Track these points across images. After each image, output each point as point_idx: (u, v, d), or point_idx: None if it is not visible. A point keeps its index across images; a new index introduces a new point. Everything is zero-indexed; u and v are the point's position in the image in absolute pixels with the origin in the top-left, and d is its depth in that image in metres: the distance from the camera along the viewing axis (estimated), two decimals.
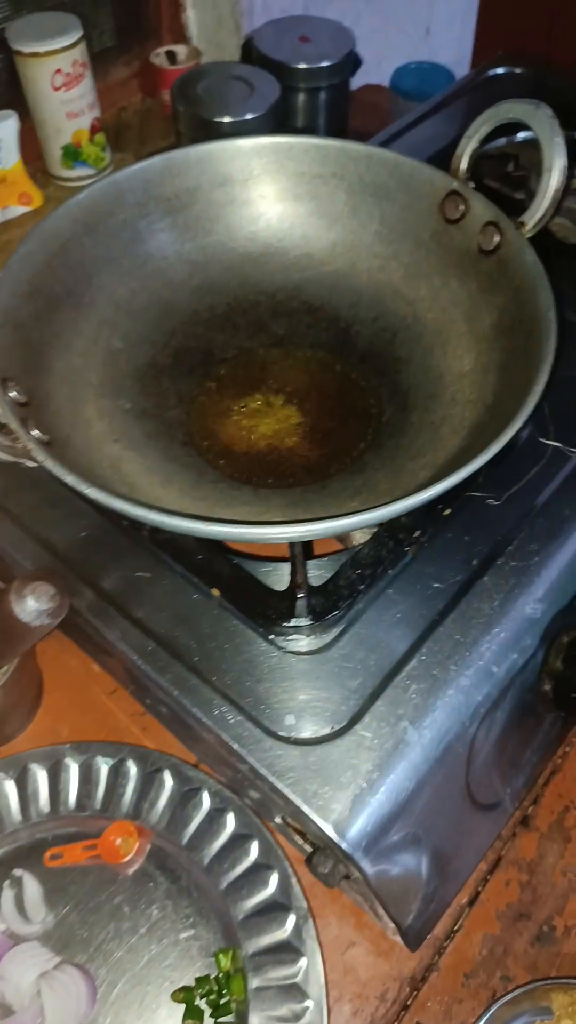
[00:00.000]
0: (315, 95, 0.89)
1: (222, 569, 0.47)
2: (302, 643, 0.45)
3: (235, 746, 0.41)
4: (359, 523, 0.37)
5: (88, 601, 0.47)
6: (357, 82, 1.10)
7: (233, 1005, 0.47)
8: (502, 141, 0.75)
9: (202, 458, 0.49)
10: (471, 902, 0.50)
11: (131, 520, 0.47)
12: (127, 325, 0.53)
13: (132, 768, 0.54)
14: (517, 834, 0.52)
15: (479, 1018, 0.45)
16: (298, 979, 0.47)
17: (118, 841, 0.52)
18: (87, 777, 0.54)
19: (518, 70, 0.82)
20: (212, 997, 0.47)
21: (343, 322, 0.55)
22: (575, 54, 1.09)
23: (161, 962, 0.49)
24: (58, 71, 0.76)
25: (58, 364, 0.47)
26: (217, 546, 0.48)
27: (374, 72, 1.11)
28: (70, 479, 0.37)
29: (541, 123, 0.44)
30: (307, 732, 0.41)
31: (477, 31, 1.20)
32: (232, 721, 0.42)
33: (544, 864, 0.51)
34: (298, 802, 0.39)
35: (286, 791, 0.39)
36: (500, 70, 0.83)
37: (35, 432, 0.41)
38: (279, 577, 0.47)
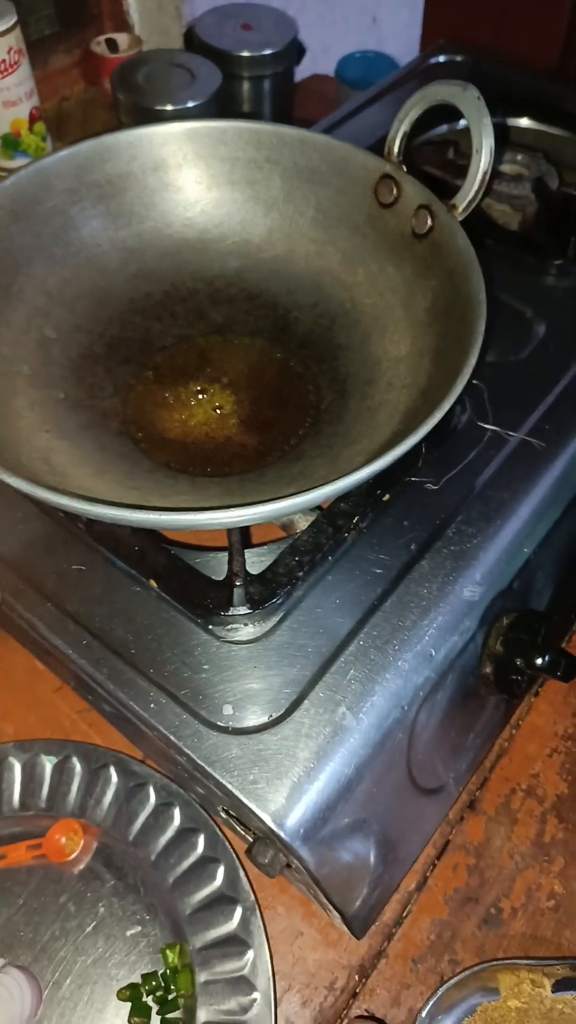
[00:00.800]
0: (259, 83, 0.88)
1: (159, 560, 0.46)
2: (241, 632, 0.44)
3: (172, 738, 0.40)
4: (290, 507, 0.36)
5: (22, 596, 0.46)
6: (304, 71, 1.09)
7: (181, 1001, 0.46)
8: (443, 128, 0.75)
9: (137, 448, 0.48)
10: (419, 887, 0.50)
11: (65, 512, 0.46)
12: (60, 314, 0.52)
13: (77, 765, 0.53)
14: (464, 818, 0.52)
15: (426, 1002, 0.45)
16: (245, 971, 0.46)
17: (63, 840, 0.51)
18: (31, 775, 0.53)
19: (459, 58, 0.82)
20: (159, 993, 0.46)
21: (282, 309, 0.54)
22: (524, 45, 1.10)
23: (108, 960, 0.48)
24: None
25: None
26: (154, 537, 0.47)
27: (321, 61, 1.10)
28: None
29: (469, 104, 0.44)
30: (246, 721, 0.41)
31: (424, 20, 1.20)
32: (169, 713, 0.41)
33: (491, 847, 0.51)
34: (236, 792, 0.39)
35: (224, 781, 0.39)
36: (442, 58, 0.83)
37: None
38: (218, 566, 0.47)
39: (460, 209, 0.46)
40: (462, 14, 1.02)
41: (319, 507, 0.48)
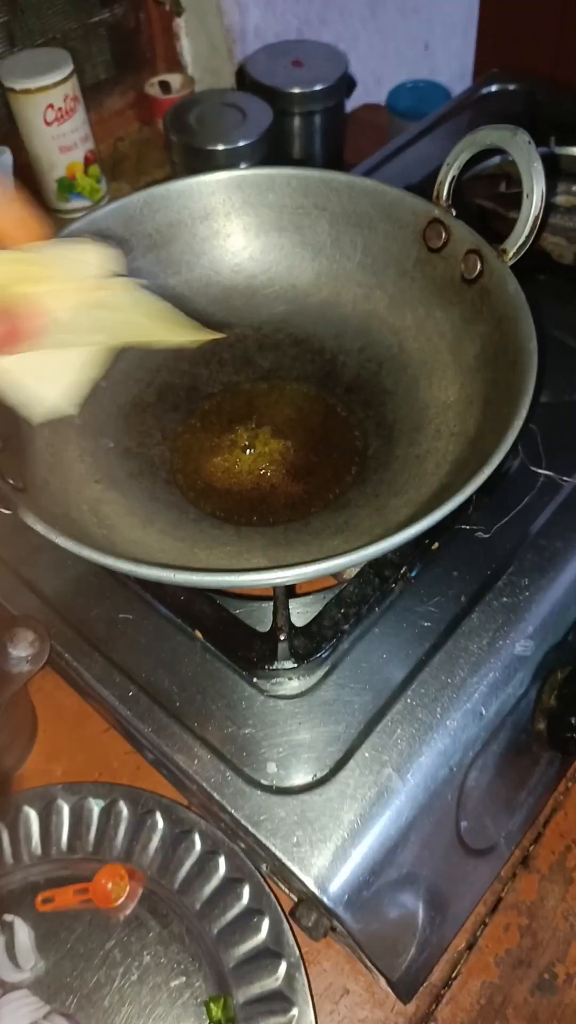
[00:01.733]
0: (310, 119, 0.89)
1: (205, 610, 0.46)
2: (286, 686, 0.44)
3: (215, 795, 0.40)
4: (336, 567, 0.36)
5: (71, 644, 0.46)
6: (356, 101, 1.09)
7: None
8: (496, 159, 0.74)
9: (184, 496, 0.48)
10: (469, 947, 0.49)
11: None
12: (110, 363, 0.52)
13: (124, 810, 0.53)
14: (517, 875, 0.51)
15: None
16: None
17: (109, 885, 0.51)
18: (79, 818, 0.54)
19: (511, 86, 0.81)
20: None
21: (329, 353, 0.54)
22: None
23: (152, 1011, 0.48)
24: (49, 106, 0.76)
25: None
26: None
27: (374, 91, 1.11)
28: (40, 527, 0.37)
29: (519, 149, 0.43)
30: (290, 780, 0.40)
31: (477, 46, 1.20)
32: (212, 769, 0.41)
33: (545, 907, 0.49)
34: (279, 854, 0.38)
35: (267, 843, 0.39)
36: (494, 87, 0.82)
37: (9, 480, 0.40)
38: (264, 615, 0.47)
39: (510, 254, 0.45)
40: (517, 41, 1.01)
41: None
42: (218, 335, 0.41)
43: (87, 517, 0.44)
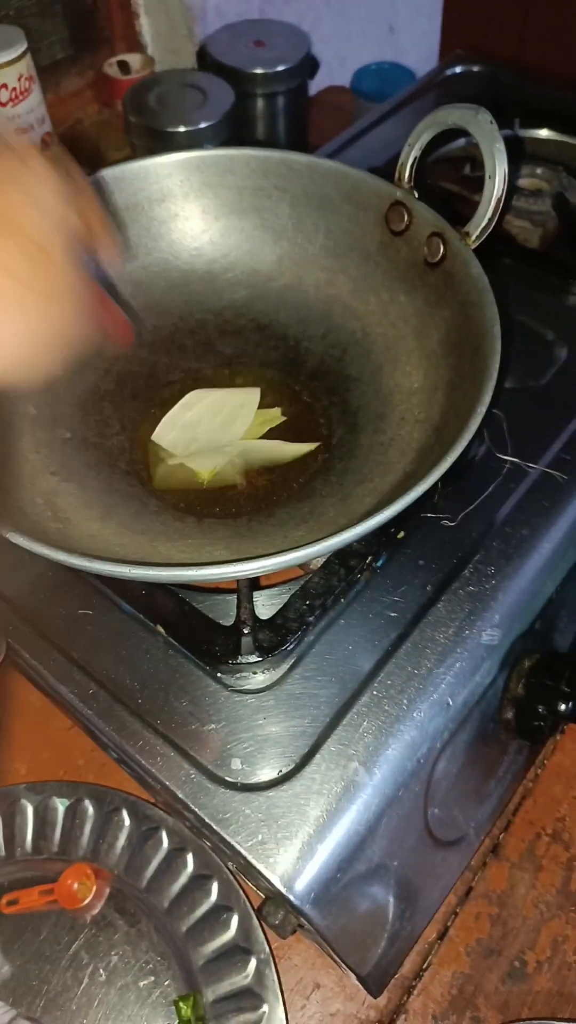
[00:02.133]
0: (273, 100, 0.87)
1: (167, 604, 0.45)
2: (251, 680, 0.43)
3: (179, 793, 0.39)
4: (298, 558, 0.35)
5: (28, 642, 0.45)
6: (321, 84, 1.08)
7: None
8: (461, 142, 0.73)
9: (144, 488, 0.47)
10: (440, 937, 0.48)
11: None
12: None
13: (89, 808, 0.52)
14: (487, 864, 0.50)
15: None
16: None
17: (75, 885, 0.50)
18: (43, 818, 0.52)
19: (476, 68, 0.80)
20: None
21: (292, 339, 0.53)
22: (548, 54, 1.07)
23: (120, 1011, 0.47)
24: (3, 86, 0.74)
25: None
26: None
27: (338, 73, 1.09)
28: None
29: (481, 129, 0.43)
30: (255, 777, 0.40)
31: (443, 28, 1.18)
32: (175, 767, 0.40)
33: (515, 896, 0.49)
34: (244, 852, 0.37)
35: (231, 841, 0.38)
36: (459, 69, 0.81)
37: None
38: (229, 608, 0.46)
39: (473, 237, 0.45)
40: (483, 23, 1.00)
41: None
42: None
43: (41, 511, 0.42)
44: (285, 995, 0.46)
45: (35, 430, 0.47)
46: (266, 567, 0.35)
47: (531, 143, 0.74)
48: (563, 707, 0.43)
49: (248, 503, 0.46)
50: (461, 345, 0.44)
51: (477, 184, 0.70)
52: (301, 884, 0.37)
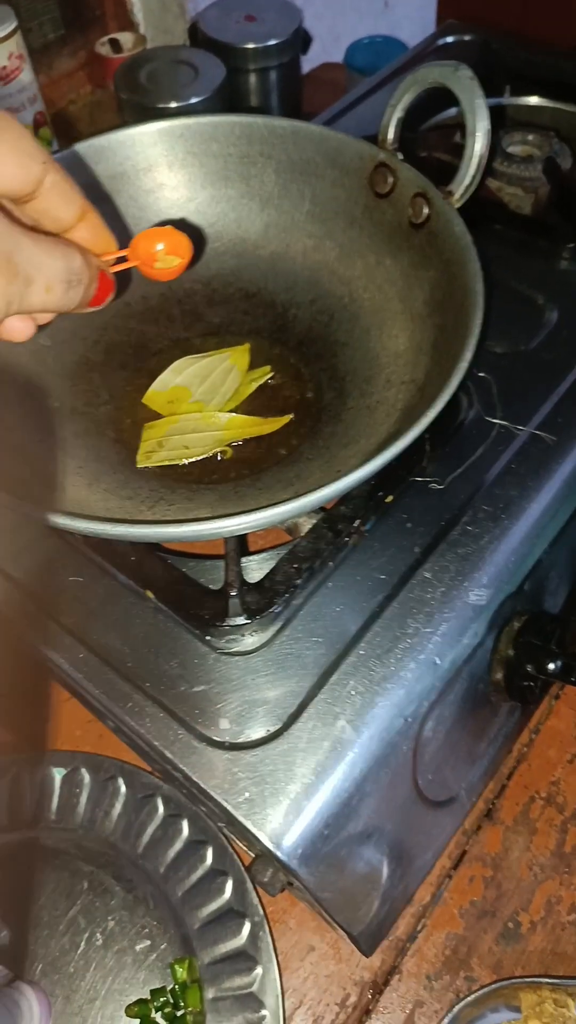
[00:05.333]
0: (265, 75, 0.86)
1: (155, 569, 0.45)
2: (240, 643, 0.43)
3: (167, 753, 0.39)
4: (278, 514, 0.35)
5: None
6: (315, 60, 1.07)
7: (190, 1017, 0.45)
8: (452, 111, 0.73)
9: (132, 456, 0.47)
10: (434, 900, 0.48)
11: None
12: (54, 321, 0.51)
13: (86, 776, 0.53)
14: (481, 827, 0.51)
15: (441, 1021, 0.43)
16: (254, 988, 0.45)
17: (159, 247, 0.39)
18: (41, 787, 0.53)
19: (468, 37, 0.79)
20: (168, 1010, 0.45)
21: (280, 306, 0.53)
22: (548, 25, 1.06)
23: (117, 975, 0.48)
24: None
25: None
26: (150, 546, 0.46)
27: (332, 49, 1.08)
28: None
29: (461, 85, 0.42)
30: (243, 736, 0.40)
31: (439, 1, 1.17)
32: (165, 728, 0.40)
33: (509, 858, 0.49)
34: (232, 810, 0.38)
35: (219, 798, 0.38)
36: (451, 38, 0.80)
37: None
38: (218, 573, 0.46)
39: (457, 196, 0.44)
40: None
41: (322, 508, 0.46)
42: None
43: (28, 477, 0.43)
44: (280, 958, 0.47)
45: (24, 400, 0.47)
46: (248, 523, 0.35)
47: (523, 111, 0.73)
48: (551, 666, 0.43)
49: (234, 469, 0.46)
50: (445, 304, 0.44)
51: None
52: (289, 840, 0.37)
